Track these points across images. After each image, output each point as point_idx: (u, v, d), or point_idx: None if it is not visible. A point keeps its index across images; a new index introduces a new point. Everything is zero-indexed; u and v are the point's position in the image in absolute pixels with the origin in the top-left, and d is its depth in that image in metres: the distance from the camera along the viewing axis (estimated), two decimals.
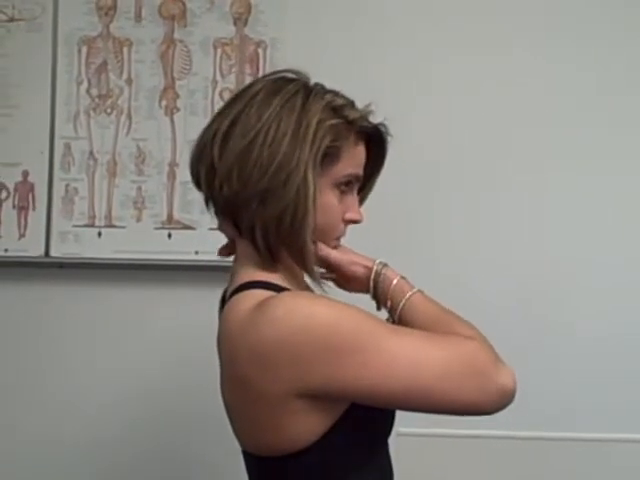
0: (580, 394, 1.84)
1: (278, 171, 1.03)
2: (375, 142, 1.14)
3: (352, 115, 1.08)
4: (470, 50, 1.84)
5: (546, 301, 1.84)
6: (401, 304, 1.10)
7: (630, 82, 1.87)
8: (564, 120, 1.85)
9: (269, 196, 1.03)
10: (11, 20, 1.83)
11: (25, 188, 1.82)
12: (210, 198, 1.10)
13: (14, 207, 1.82)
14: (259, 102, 1.06)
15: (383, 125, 1.14)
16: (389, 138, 1.15)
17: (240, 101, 1.08)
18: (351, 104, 1.10)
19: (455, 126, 1.84)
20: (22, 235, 1.81)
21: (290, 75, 1.12)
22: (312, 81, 1.12)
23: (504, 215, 1.85)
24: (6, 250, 1.81)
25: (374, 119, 1.12)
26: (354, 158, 1.10)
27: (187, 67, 1.83)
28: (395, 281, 1.12)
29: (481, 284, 1.83)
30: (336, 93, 1.10)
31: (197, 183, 1.12)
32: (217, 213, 1.12)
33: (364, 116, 1.10)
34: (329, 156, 1.06)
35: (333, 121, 1.06)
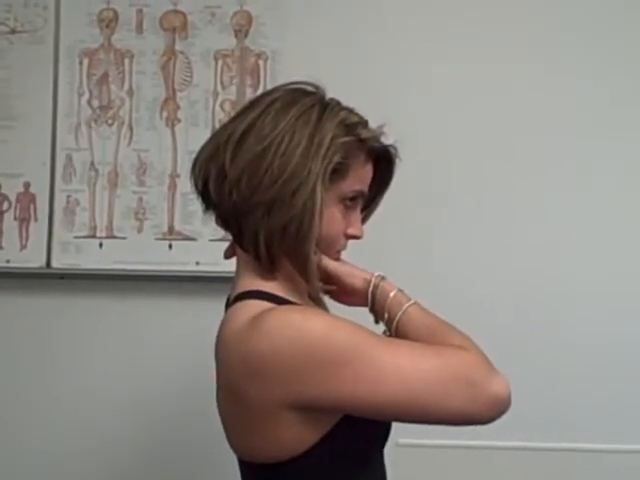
0: (581, 402, 1.83)
1: (288, 181, 1.04)
2: (383, 162, 1.16)
3: (364, 134, 1.10)
4: (470, 61, 1.84)
5: (546, 309, 1.83)
6: (398, 316, 1.10)
7: (631, 90, 1.86)
8: (563, 131, 1.84)
9: (277, 205, 1.04)
10: (13, 32, 1.84)
11: (27, 199, 1.82)
12: (217, 203, 1.09)
13: (15, 218, 1.82)
14: (275, 111, 1.07)
15: (393, 147, 1.15)
16: (397, 160, 1.16)
17: (257, 107, 1.09)
18: (365, 123, 1.12)
19: (454, 136, 1.84)
20: (23, 246, 1.82)
21: (308, 87, 1.13)
22: (328, 96, 1.13)
23: (504, 222, 1.85)
24: (8, 261, 1.82)
25: (385, 140, 1.13)
26: (362, 176, 1.12)
27: (188, 78, 1.84)
28: (392, 294, 1.12)
29: (479, 290, 1.82)
30: (350, 110, 1.11)
31: (204, 185, 1.10)
32: (219, 221, 1.12)
33: (376, 136, 1.12)
34: (338, 172, 1.07)
35: (345, 139, 1.07)
